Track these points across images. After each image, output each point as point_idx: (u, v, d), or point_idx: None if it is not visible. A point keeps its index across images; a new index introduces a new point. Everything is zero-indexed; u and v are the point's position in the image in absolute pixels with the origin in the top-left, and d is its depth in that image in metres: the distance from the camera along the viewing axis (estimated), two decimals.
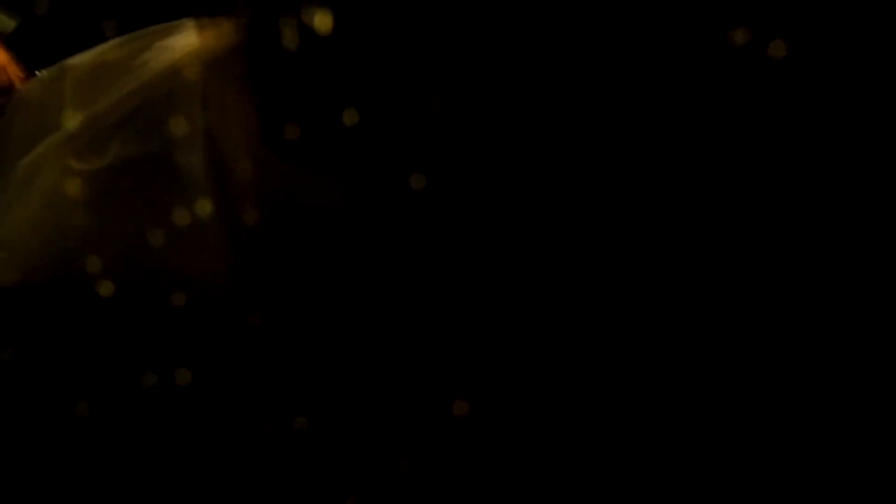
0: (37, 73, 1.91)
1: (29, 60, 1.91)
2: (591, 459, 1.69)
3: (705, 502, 1.67)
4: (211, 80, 1.62)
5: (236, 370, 1.62)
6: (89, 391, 1.60)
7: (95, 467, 1.62)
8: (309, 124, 1.60)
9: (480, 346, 1.68)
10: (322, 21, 1.55)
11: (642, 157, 1.67)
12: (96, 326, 1.59)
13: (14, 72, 1.82)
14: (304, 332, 1.65)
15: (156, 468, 1.62)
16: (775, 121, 1.64)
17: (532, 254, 1.68)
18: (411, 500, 1.67)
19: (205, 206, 1.58)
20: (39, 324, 1.59)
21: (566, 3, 1.61)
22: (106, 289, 1.55)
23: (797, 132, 1.65)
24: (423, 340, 1.68)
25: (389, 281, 1.66)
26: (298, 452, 1.64)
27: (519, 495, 1.67)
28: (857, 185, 1.65)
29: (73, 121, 1.61)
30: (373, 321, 1.66)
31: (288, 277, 1.62)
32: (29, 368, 1.61)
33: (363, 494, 1.65)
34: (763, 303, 1.67)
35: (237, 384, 1.62)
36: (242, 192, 1.59)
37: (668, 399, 1.69)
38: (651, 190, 1.68)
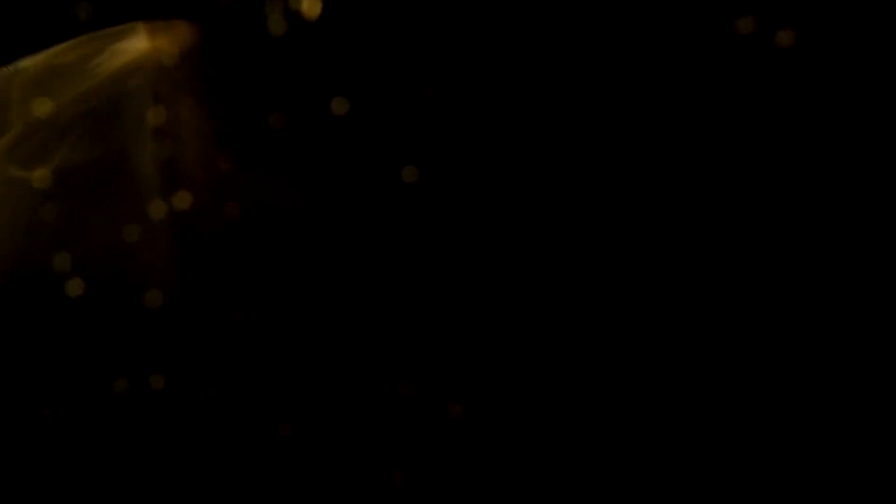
0: None
1: None
2: (589, 467, 1.68)
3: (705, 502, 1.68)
4: (162, 83, 1.59)
5: (195, 374, 1.61)
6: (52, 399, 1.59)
7: (64, 474, 1.60)
8: (262, 125, 1.59)
9: (470, 347, 1.68)
10: (311, 6, 1.54)
11: (642, 152, 1.67)
12: (39, 333, 1.58)
13: None
14: (264, 335, 1.64)
15: (128, 474, 1.60)
16: (779, 115, 1.64)
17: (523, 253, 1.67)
18: None
19: (155, 209, 1.56)
20: None
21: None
22: (55, 296, 1.53)
23: (801, 127, 1.64)
24: (403, 343, 1.67)
25: (358, 281, 1.65)
26: (282, 462, 1.64)
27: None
28: (859, 182, 1.65)
29: (15, 128, 1.58)
30: (343, 323, 1.65)
31: (242, 278, 1.61)
32: None
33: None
34: (763, 302, 1.67)
35: (200, 389, 1.61)
36: (195, 194, 1.57)
37: (667, 399, 1.68)
38: (651, 187, 1.67)
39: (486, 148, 1.67)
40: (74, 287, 1.52)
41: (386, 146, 1.65)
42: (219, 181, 1.59)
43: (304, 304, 1.63)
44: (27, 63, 1.67)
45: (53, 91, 1.63)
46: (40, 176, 1.53)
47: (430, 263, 1.67)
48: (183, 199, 1.57)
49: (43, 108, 1.61)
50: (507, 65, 1.66)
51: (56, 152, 1.54)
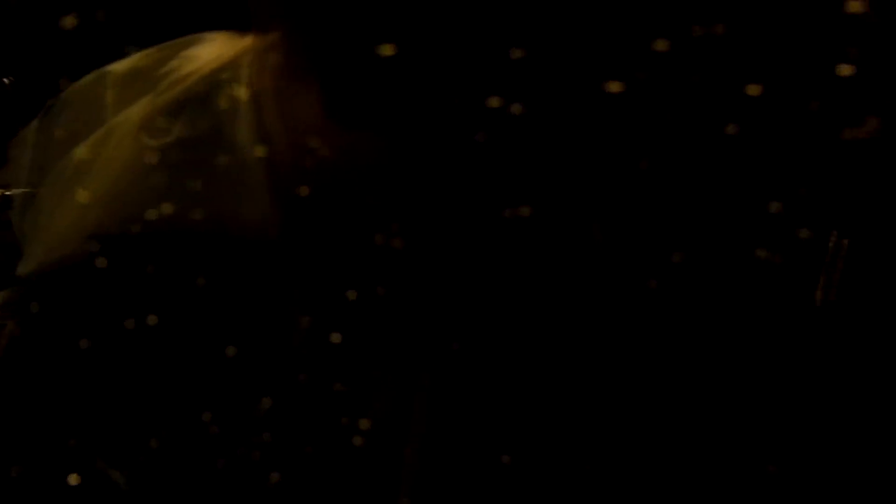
0: (4, 80, 1.96)
1: None
2: (587, 474, 1.68)
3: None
4: (253, 73, 1.71)
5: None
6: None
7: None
8: (366, 90, 1.64)
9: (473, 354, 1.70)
10: None
11: (640, 154, 1.69)
12: (150, 289, 1.65)
13: None
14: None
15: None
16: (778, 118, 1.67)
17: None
18: None
19: (255, 172, 1.67)
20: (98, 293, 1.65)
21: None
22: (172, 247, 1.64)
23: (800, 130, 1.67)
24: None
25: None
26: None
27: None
28: (858, 183, 1.69)
29: (135, 108, 1.71)
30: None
31: (336, 251, 1.69)
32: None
33: None
34: (764, 302, 1.69)
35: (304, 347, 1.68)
36: (290, 158, 1.68)
37: (666, 400, 1.68)
38: (649, 189, 1.69)
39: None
40: (183, 238, 1.64)
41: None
42: (317, 155, 1.67)
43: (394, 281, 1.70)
44: (114, 67, 1.81)
45: (144, 89, 1.75)
46: (164, 143, 1.66)
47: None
48: (281, 170, 1.67)
49: (138, 102, 1.73)
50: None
51: (172, 128, 1.68)
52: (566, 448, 1.67)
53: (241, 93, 1.68)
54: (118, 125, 1.71)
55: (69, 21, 1.90)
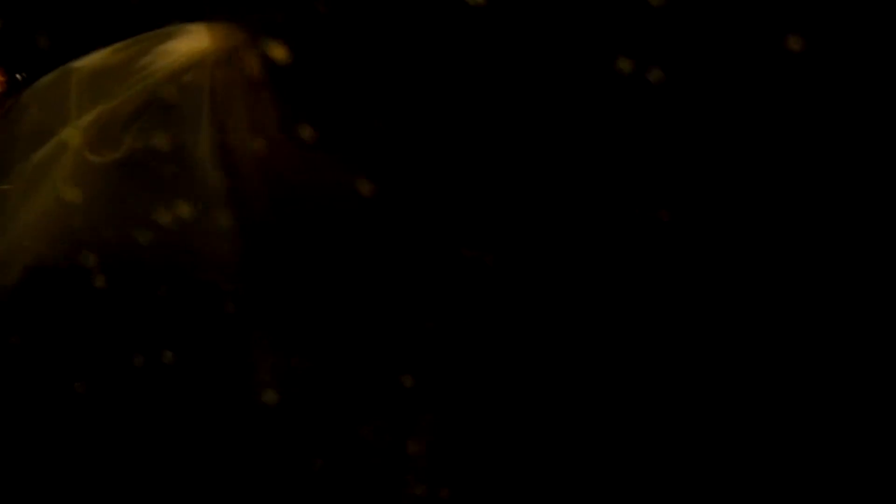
0: (17, 76, 1.89)
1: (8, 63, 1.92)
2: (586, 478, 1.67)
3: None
4: (217, 78, 1.65)
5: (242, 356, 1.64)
6: (101, 378, 1.62)
7: (99, 458, 1.63)
8: (326, 114, 1.63)
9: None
10: None
11: (637, 157, 1.66)
12: (101, 313, 1.62)
13: None
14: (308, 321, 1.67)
15: (164, 457, 1.63)
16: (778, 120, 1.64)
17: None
18: None
19: (214, 195, 1.62)
20: (51, 311, 1.62)
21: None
22: (113, 276, 1.59)
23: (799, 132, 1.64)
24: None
25: (399, 275, 1.67)
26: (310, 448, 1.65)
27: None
28: (857, 185, 1.64)
29: (85, 117, 1.66)
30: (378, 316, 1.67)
31: (296, 265, 1.65)
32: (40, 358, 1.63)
33: None
34: (763, 303, 1.66)
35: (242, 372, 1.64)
36: (251, 181, 1.62)
37: (666, 402, 1.67)
38: (645, 191, 1.66)
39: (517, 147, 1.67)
40: (130, 266, 1.58)
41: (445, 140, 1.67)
42: (276, 167, 1.62)
43: (355, 290, 1.67)
44: (81, 63, 1.72)
45: (109, 88, 1.68)
46: (109, 159, 1.59)
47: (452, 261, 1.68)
48: (240, 184, 1.61)
49: (102, 102, 1.66)
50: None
51: (122, 139, 1.61)
52: (565, 450, 1.66)
53: (204, 103, 1.57)
54: (68, 138, 1.66)
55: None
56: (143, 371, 1.59)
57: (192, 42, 1.69)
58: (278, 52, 1.62)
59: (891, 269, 1.64)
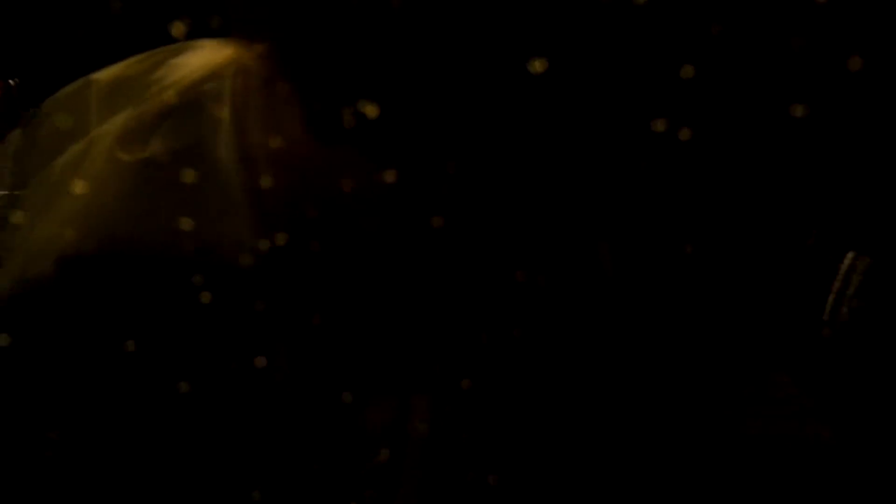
0: (10, 81, 1.97)
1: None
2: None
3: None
4: (237, 85, 1.69)
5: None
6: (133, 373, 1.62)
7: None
8: (349, 108, 1.62)
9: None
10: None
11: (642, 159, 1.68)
12: (129, 305, 1.62)
13: None
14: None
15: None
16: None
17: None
18: None
19: (235, 195, 1.64)
20: (85, 301, 1.62)
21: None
22: (141, 269, 1.61)
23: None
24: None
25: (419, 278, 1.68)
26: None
27: None
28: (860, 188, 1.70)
29: (113, 119, 1.69)
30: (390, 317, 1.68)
31: (318, 266, 1.66)
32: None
33: None
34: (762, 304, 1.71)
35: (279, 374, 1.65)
36: (273, 182, 1.66)
37: (665, 403, 1.68)
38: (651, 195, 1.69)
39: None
40: (159, 258, 1.61)
41: (471, 139, 1.66)
42: (298, 173, 1.66)
43: (380, 297, 1.67)
44: (100, 75, 1.79)
45: (130, 97, 1.73)
46: (139, 158, 1.64)
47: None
48: (263, 187, 1.64)
49: (124, 110, 1.70)
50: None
51: (150, 141, 1.65)
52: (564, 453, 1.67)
53: (224, 106, 1.65)
54: (97, 138, 1.69)
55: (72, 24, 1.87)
56: (164, 364, 1.59)
57: (208, 55, 1.74)
58: (297, 59, 1.63)
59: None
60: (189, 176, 1.60)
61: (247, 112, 1.65)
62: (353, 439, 1.67)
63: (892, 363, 1.67)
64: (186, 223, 1.59)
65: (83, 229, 1.62)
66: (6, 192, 1.85)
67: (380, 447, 1.67)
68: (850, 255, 1.72)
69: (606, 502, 1.67)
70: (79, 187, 1.64)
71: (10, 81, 2.11)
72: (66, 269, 1.60)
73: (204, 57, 1.75)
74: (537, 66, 1.54)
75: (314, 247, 1.63)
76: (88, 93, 1.76)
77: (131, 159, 1.63)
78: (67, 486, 1.62)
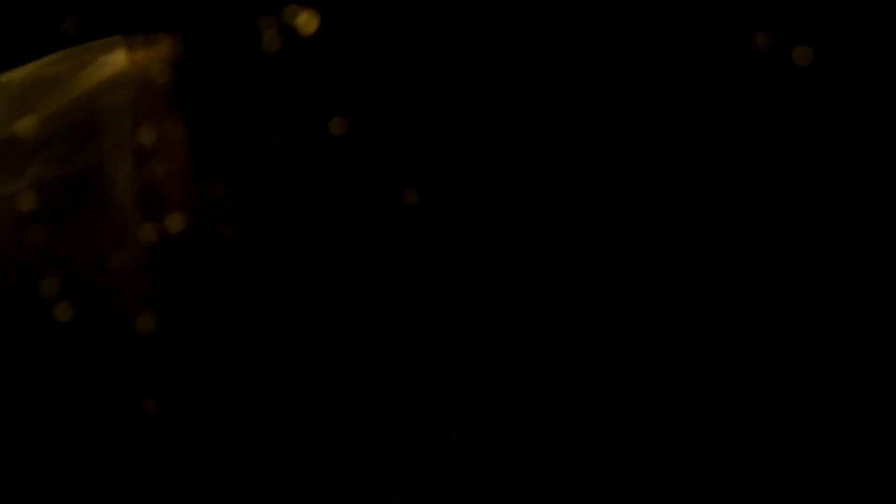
0: None
1: None
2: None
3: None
4: (143, 99, 1.59)
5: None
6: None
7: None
8: (244, 144, 1.59)
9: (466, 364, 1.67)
10: (307, 22, 1.53)
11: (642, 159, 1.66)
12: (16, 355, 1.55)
13: None
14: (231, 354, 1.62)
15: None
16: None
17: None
18: None
19: (133, 228, 1.55)
20: None
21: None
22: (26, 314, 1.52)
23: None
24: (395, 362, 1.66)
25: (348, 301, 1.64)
26: (276, 485, 1.62)
27: None
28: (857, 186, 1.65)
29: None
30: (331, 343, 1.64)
31: (219, 298, 1.60)
32: None
33: None
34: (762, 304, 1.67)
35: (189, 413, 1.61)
36: (174, 213, 1.56)
37: (666, 403, 1.67)
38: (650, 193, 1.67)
39: (482, 171, 1.66)
40: (54, 307, 1.51)
41: (382, 167, 1.64)
42: (200, 200, 1.58)
43: (292, 324, 1.62)
44: (10, 76, 1.67)
45: (36, 105, 1.62)
46: (9, 192, 1.52)
47: (424, 286, 1.66)
48: (162, 218, 1.55)
49: (21, 124, 1.60)
50: (503, 83, 1.65)
51: (28, 168, 1.53)
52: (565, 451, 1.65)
53: (125, 127, 1.52)
54: None
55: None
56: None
57: (122, 56, 1.62)
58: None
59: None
60: (77, 207, 1.48)
61: (151, 136, 1.54)
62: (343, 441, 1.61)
63: None
64: (71, 267, 1.47)
65: None
66: None
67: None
68: None
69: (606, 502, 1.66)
70: None
71: None
72: None
73: (117, 59, 1.63)
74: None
75: (218, 280, 1.55)
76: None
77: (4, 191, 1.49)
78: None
